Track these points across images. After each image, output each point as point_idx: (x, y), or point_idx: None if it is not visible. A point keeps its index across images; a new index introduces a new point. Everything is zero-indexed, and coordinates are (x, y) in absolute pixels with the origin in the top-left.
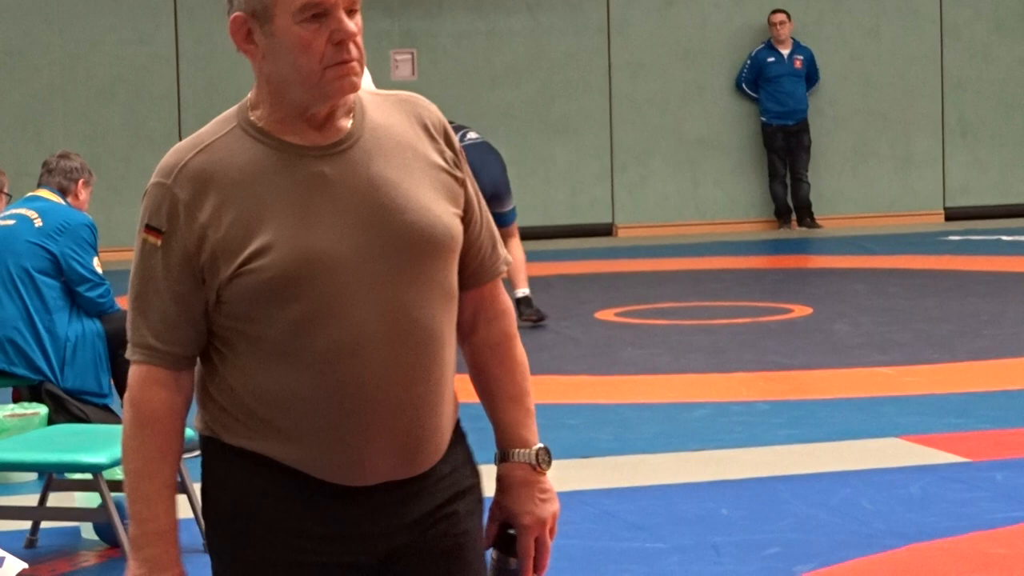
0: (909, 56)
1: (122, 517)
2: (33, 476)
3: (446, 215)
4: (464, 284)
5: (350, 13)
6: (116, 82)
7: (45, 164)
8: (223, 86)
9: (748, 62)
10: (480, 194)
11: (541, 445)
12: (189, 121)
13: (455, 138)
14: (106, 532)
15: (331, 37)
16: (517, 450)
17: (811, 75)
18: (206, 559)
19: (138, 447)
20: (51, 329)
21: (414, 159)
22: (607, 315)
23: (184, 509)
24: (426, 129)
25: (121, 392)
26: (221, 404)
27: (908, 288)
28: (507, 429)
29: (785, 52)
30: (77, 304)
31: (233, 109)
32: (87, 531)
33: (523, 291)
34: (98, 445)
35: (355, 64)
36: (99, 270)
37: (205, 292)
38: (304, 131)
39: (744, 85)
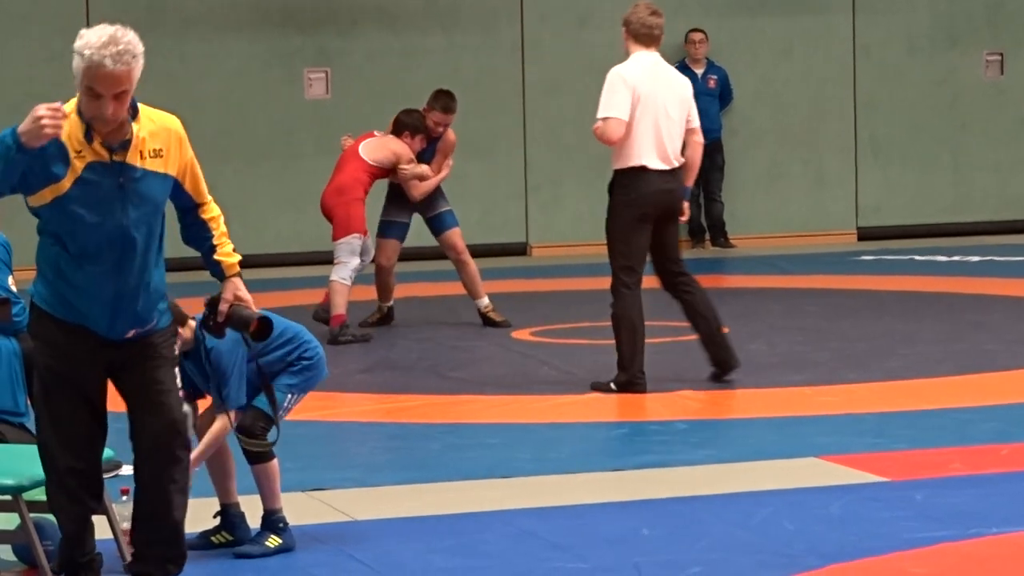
0: (821, 76)
1: (42, 538)
2: None
3: None
4: None
5: None
6: (28, 100)
7: None
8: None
9: None
10: None
11: None
12: None
13: None
14: (25, 553)
15: None
16: None
17: (724, 95)
18: None
19: None
20: None
21: None
22: (523, 335)
23: (103, 530)
24: None
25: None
26: None
27: (823, 308)
28: None
29: (699, 72)
30: None
31: None
32: (6, 552)
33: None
34: (17, 465)
35: None
36: (14, 288)
37: None
38: None
39: None
